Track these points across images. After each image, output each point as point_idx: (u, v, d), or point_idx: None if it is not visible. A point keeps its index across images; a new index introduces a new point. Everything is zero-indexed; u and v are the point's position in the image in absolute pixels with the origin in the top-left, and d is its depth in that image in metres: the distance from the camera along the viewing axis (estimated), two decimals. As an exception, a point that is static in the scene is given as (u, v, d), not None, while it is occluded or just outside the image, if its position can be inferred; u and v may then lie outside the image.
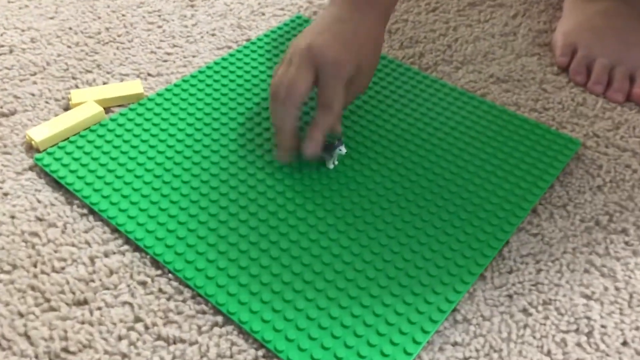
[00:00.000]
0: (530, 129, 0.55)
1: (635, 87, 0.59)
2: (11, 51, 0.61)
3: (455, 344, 0.39)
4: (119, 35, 0.64)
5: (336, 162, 0.51)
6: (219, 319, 0.40)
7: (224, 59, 0.61)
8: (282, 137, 0.48)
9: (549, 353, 0.39)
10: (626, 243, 0.46)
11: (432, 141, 0.53)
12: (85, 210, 0.46)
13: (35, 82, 0.57)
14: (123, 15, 0.67)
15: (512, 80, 0.61)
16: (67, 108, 0.55)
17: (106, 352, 0.38)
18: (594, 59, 0.61)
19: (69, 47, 0.62)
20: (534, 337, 0.40)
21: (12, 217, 0.45)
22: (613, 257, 0.45)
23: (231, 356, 0.38)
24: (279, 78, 0.48)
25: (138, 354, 0.38)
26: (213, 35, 0.65)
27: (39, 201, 0.47)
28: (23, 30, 0.64)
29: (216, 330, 0.39)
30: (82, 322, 0.39)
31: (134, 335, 0.39)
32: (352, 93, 0.50)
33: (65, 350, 0.38)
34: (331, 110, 0.47)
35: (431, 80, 0.60)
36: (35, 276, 0.42)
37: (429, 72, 0.62)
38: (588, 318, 0.41)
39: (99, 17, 0.67)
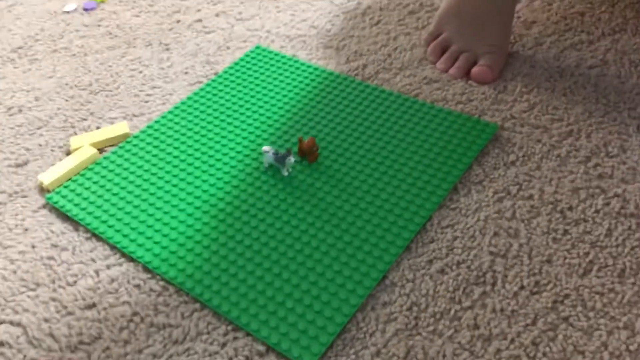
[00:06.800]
0: (454, 119, 0.64)
1: (474, 67, 0.71)
2: (20, 110, 0.73)
3: (384, 303, 0.49)
4: (107, 84, 0.76)
5: (290, 170, 0.61)
6: (197, 306, 0.51)
7: (195, 94, 0.72)
8: None
9: (459, 301, 0.49)
10: (532, 206, 0.56)
11: (371, 141, 0.63)
12: (89, 235, 0.57)
13: (41, 135, 0.69)
14: (110, 66, 0.79)
15: (442, 80, 0.71)
16: (68, 153, 0.67)
17: (112, 340, 0.49)
18: (450, 44, 0.74)
19: (67, 100, 0.74)
20: (448, 291, 0.50)
21: (33, 246, 0.57)
22: (518, 220, 0.55)
23: (208, 332, 0.49)
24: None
25: (137, 339, 0.49)
26: (186, 73, 0.77)
27: (52, 232, 0.58)
28: (28, 91, 0.76)
29: (195, 314, 0.50)
30: (93, 320, 0.50)
31: (132, 325, 0.50)
32: None
33: (81, 342, 0.49)
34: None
35: (372, 88, 0.70)
36: (54, 290, 0.53)
37: (371, 81, 0.72)
38: (494, 271, 0.51)
39: (90, 71, 0.78)
